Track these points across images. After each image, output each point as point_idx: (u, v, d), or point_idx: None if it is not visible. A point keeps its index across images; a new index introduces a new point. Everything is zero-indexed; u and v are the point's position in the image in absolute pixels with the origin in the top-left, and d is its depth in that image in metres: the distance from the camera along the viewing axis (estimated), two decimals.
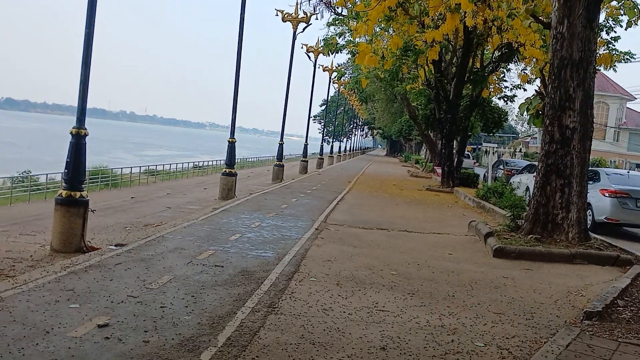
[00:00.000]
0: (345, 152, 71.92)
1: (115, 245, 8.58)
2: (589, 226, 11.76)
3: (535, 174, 11.17)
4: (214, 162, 39.86)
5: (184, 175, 34.92)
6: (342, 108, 72.11)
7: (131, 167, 29.71)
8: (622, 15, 18.14)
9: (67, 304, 5.50)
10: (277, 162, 25.22)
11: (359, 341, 5.10)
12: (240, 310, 5.67)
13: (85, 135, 8.63)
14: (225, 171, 16.76)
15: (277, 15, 23.14)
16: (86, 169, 24.81)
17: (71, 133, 8.54)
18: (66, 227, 8.46)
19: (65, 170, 8.67)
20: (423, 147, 59.90)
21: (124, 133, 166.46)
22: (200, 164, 40.81)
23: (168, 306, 5.64)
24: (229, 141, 16.77)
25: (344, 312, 5.90)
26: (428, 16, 18.75)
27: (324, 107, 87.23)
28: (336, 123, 77.37)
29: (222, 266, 7.40)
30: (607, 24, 19.82)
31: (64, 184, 8.78)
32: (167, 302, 5.78)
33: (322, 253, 8.84)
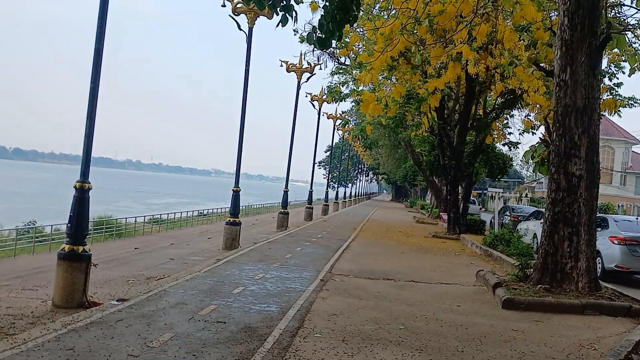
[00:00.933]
0: (350, 197, 71.86)
1: (117, 301, 8.43)
2: (599, 274, 11.55)
3: (542, 220, 11.04)
4: (219, 210, 39.80)
5: (188, 224, 34.84)
6: (346, 154, 72.41)
7: (135, 217, 29.65)
8: (623, 62, 18.32)
9: None
10: (282, 210, 25.15)
11: None
12: None
13: (89, 189, 8.61)
14: (230, 220, 16.66)
15: (281, 66, 23.49)
16: (90, 220, 24.75)
17: (75, 187, 8.53)
18: (68, 282, 8.36)
19: (69, 225, 8.61)
20: (428, 193, 59.82)
21: (130, 182, 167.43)
22: (205, 212, 40.73)
23: None
24: (233, 190, 16.74)
25: None
26: (430, 65, 18.99)
27: (328, 152, 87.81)
28: (341, 169, 77.67)
29: (225, 322, 7.24)
30: (610, 70, 20.00)
31: (66, 238, 8.70)
32: None
33: (327, 306, 8.67)
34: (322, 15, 5.58)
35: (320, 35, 5.51)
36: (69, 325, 6.70)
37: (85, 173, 8.60)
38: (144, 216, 31.20)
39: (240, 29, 15.77)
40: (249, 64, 16.34)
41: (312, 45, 5.57)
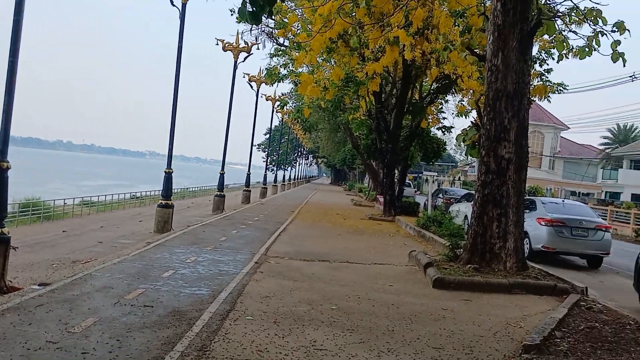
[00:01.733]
0: (289, 180, 71.74)
1: (38, 285, 8.01)
2: (526, 255, 11.95)
3: (473, 203, 11.31)
4: (153, 193, 38.80)
5: (120, 206, 33.80)
6: (286, 137, 72.16)
7: (64, 199, 28.48)
8: (553, 48, 18.90)
9: None
10: (218, 192, 24.70)
11: None
12: (168, 354, 5.32)
13: (8, 168, 8.11)
14: (162, 203, 16.15)
15: (217, 44, 22.90)
16: (16, 202, 23.41)
17: None
18: None
19: None
20: (366, 176, 60.50)
21: (61, 163, 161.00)
22: (138, 195, 39.62)
23: (90, 352, 5.24)
24: (165, 172, 16.25)
25: (280, 352, 5.64)
26: (368, 48, 19.03)
27: (267, 135, 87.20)
28: (280, 152, 77.37)
29: (152, 306, 7.00)
30: (541, 57, 20.61)
31: None
32: (89, 347, 5.37)
33: (261, 288, 8.55)
34: None
35: (251, 9, 5.30)
36: None
37: (3, 151, 8.09)
38: (74, 198, 29.99)
39: (174, 5, 15.23)
40: (182, 41, 15.79)
41: (244, 20, 5.34)
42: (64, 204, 28.12)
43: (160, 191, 16.93)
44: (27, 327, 5.87)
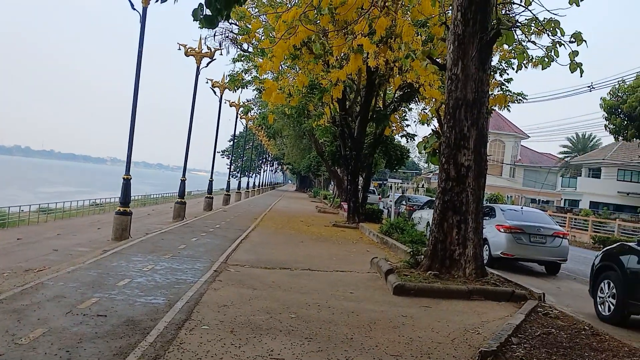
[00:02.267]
0: (254, 187, 71.33)
1: None
2: (485, 261, 12.09)
3: (433, 210, 11.38)
4: (113, 199, 37.97)
5: (79, 214, 32.98)
6: (250, 143, 71.76)
7: (20, 206, 27.62)
8: (514, 58, 19.27)
9: None
10: (179, 199, 24.33)
11: None
12: None
13: None
14: (120, 210, 15.78)
15: (179, 49, 22.63)
16: None
17: None
18: None
19: None
20: (332, 183, 60.59)
21: (19, 169, 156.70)
22: (98, 201, 38.75)
23: None
24: (123, 178, 15.90)
25: None
26: (332, 56, 19.06)
27: (232, 142, 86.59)
28: (244, 158, 76.84)
29: (106, 315, 6.79)
30: (501, 66, 20.99)
31: None
32: (36, 359, 5.16)
33: (219, 297, 8.40)
34: None
35: (207, 13, 5.21)
36: None
37: None
38: (30, 205, 29.10)
39: (134, 8, 14.98)
40: (142, 46, 15.53)
41: (200, 23, 5.24)
42: (20, 210, 27.26)
43: (119, 198, 16.57)
44: None
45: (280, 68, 20.96)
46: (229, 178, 45.02)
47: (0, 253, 15.26)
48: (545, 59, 11.62)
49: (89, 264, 10.39)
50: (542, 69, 12.19)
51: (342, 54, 18.55)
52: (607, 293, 9.25)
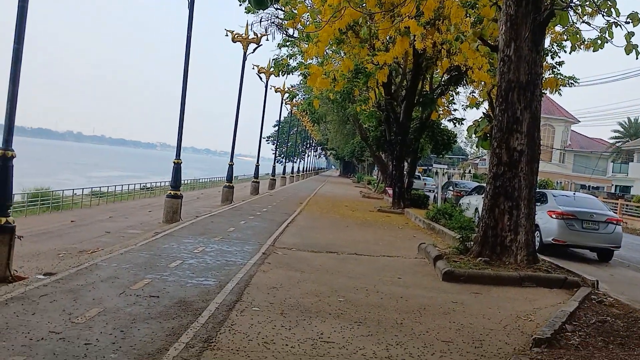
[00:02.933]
0: (298, 172, 71.69)
1: (43, 275, 7.98)
2: (537, 248, 11.80)
3: (484, 195, 11.17)
4: (163, 183, 38.82)
5: (130, 197, 33.84)
6: (295, 129, 72.05)
7: (73, 190, 28.52)
8: (566, 40, 18.64)
9: None
10: (227, 183, 24.68)
11: None
12: (172, 346, 5.24)
13: (13, 157, 8.05)
14: (170, 193, 16.14)
15: (227, 35, 22.79)
16: (26, 192, 23.46)
17: None
18: None
19: None
20: (375, 168, 60.31)
21: (71, 154, 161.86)
22: (149, 185, 39.66)
23: (93, 343, 5.16)
24: (174, 162, 16.23)
25: (287, 345, 5.55)
26: (378, 39, 18.82)
27: (277, 127, 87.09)
28: (289, 144, 77.25)
29: (158, 296, 6.93)
30: (552, 49, 20.35)
31: None
32: (92, 338, 5.30)
33: (268, 279, 8.47)
34: None
35: None
36: None
37: (7, 140, 8.03)
38: (83, 189, 30.03)
39: None
40: (191, 31, 15.71)
41: (249, 5, 5.22)
42: (73, 194, 28.17)
43: (170, 182, 16.91)
44: (31, 317, 5.82)
45: (325, 53, 20.87)
46: (274, 163, 45.40)
47: (55, 235, 15.80)
48: (599, 40, 11.16)
49: (141, 245, 10.64)
50: (594, 51, 11.73)
51: (389, 37, 18.31)
52: None
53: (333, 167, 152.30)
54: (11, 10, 8.30)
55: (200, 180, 51.36)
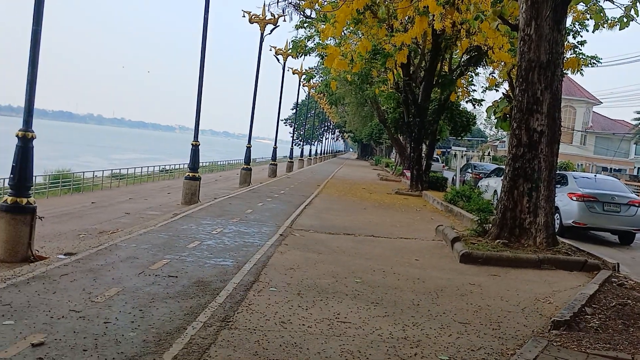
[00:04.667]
0: (316, 155, 71.66)
1: (64, 255, 8.09)
2: (556, 230, 11.68)
3: (502, 177, 11.05)
4: (182, 165, 39.12)
5: (149, 179, 34.16)
6: (312, 111, 71.82)
7: (93, 171, 28.88)
8: (588, 19, 18.25)
9: (0, 320, 5.06)
10: (245, 166, 24.76)
11: (317, 357, 4.79)
12: (191, 325, 5.30)
13: (33, 138, 8.15)
14: (189, 175, 16.23)
15: (244, 16, 22.71)
16: (47, 174, 23.83)
17: (17, 136, 8.07)
18: (11, 235, 7.97)
19: (11, 175, 8.17)
20: (393, 151, 60.00)
21: (92, 136, 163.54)
22: (168, 168, 39.99)
23: (112, 322, 5.23)
24: (192, 144, 16.29)
25: (304, 324, 5.58)
26: (397, 19, 18.61)
27: (294, 110, 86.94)
28: (307, 126, 77.10)
29: (176, 276, 7.00)
30: (574, 28, 19.93)
31: (9, 189, 8.27)
32: (112, 317, 5.37)
33: (285, 260, 8.50)
34: None
35: None
36: (8, 280, 6.36)
37: (28, 121, 8.12)
38: (103, 171, 30.38)
39: None
40: (208, 13, 15.67)
41: None
42: (94, 176, 28.53)
43: (188, 164, 17.00)
44: (52, 295, 5.91)
45: (342, 33, 20.71)
46: (292, 145, 45.40)
47: (76, 216, 16.01)
48: (625, 18, 10.91)
49: (160, 226, 10.73)
50: (620, 29, 11.47)
51: (407, 17, 18.08)
52: None
53: (351, 149, 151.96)
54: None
55: (219, 163, 51.66)
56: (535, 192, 9.99)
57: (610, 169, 58.65)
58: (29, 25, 8.10)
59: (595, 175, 16.90)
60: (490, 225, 10.79)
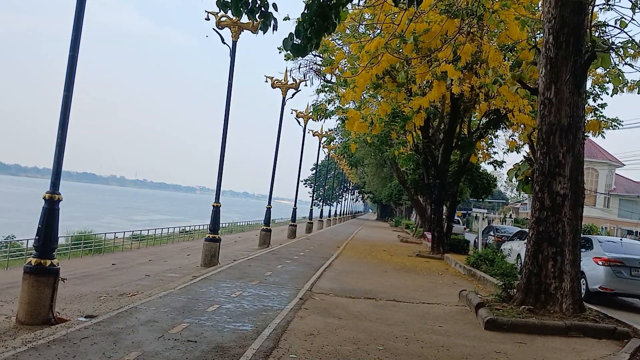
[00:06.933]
0: (335, 216, 71.54)
1: (84, 317, 8.07)
2: (582, 296, 11.37)
3: (526, 240, 10.88)
4: (202, 227, 39.30)
5: (169, 240, 34.30)
6: (332, 172, 72.30)
7: (114, 233, 29.11)
8: (607, 82, 18.39)
9: None
10: (264, 227, 24.78)
11: None
12: None
13: (59, 200, 8.29)
14: (209, 236, 16.26)
15: (266, 81, 23.33)
16: (70, 235, 24.04)
17: (44, 198, 8.22)
18: (34, 297, 8.01)
19: (37, 237, 8.28)
20: (413, 212, 59.73)
21: (115, 197, 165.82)
22: (188, 229, 40.18)
23: None
24: (213, 205, 16.41)
25: None
26: (415, 83, 18.95)
27: (314, 171, 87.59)
28: (326, 187, 77.38)
29: (196, 341, 6.91)
30: (594, 91, 20.06)
31: (34, 251, 8.36)
32: None
33: (305, 326, 8.36)
34: (299, 21, 5.39)
35: (297, 42, 5.31)
36: (29, 343, 6.34)
37: (55, 184, 8.30)
38: (124, 232, 30.62)
39: (224, 43, 15.60)
40: (232, 77, 16.11)
41: (288, 51, 5.35)
42: (115, 237, 28.72)
43: (208, 225, 17.06)
44: (72, 359, 5.86)
45: (362, 97, 21.09)
46: (311, 206, 45.46)
47: (97, 277, 16.04)
48: None
49: (179, 289, 10.69)
50: (639, 93, 11.54)
51: (425, 81, 18.40)
52: None
53: (370, 210, 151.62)
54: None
55: (238, 224, 51.77)
56: (560, 256, 9.80)
57: (636, 232, 57.44)
58: (56, 90, 8.41)
59: (621, 239, 16.58)
60: (515, 290, 10.55)
